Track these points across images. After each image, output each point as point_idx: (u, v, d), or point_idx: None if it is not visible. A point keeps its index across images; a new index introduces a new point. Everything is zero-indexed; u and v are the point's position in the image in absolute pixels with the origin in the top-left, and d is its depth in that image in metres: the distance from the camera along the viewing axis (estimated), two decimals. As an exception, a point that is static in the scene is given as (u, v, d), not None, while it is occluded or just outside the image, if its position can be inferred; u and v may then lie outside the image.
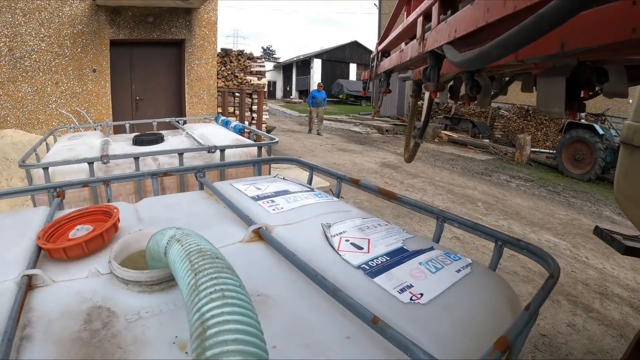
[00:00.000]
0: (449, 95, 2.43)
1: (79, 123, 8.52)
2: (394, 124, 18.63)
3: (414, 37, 2.01)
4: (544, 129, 15.18)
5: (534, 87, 2.12)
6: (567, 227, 6.85)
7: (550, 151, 13.80)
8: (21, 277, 1.11)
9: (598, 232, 2.95)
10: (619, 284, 4.88)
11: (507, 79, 2.21)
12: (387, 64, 2.42)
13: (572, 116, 1.34)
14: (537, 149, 14.22)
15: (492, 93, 2.20)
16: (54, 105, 8.78)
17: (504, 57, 0.77)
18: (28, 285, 1.09)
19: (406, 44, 2.24)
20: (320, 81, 18.12)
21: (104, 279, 1.16)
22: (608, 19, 0.72)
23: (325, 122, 20.39)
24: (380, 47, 2.66)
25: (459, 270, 1.19)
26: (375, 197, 7.05)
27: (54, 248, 1.29)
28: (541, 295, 0.97)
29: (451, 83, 2.39)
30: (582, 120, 11.57)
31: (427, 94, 3.13)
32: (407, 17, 2.18)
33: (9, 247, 1.34)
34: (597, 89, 1.48)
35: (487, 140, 15.94)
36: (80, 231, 1.42)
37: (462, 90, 2.38)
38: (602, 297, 4.54)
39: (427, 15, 1.39)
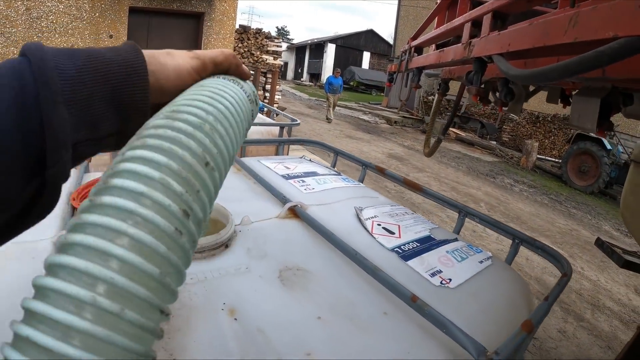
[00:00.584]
0: (478, 97, 2.49)
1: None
2: (403, 117, 18.63)
3: (452, 39, 2.07)
4: (552, 138, 15.20)
5: (559, 100, 2.20)
6: (565, 236, 6.93)
7: (556, 160, 13.82)
8: (59, 236, 1.15)
9: (599, 243, 3.02)
10: (611, 297, 4.98)
11: (534, 88, 2.28)
12: (421, 60, 2.47)
13: (601, 134, 1.44)
14: (544, 157, 14.26)
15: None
16: None
17: (560, 79, 0.85)
18: None
19: (442, 45, 2.29)
20: (337, 68, 16.78)
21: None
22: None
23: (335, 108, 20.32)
24: (413, 43, 2.71)
25: (481, 262, 1.29)
26: (378, 187, 7.15)
27: None
28: (557, 289, 1.07)
29: (482, 86, 2.45)
30: (591, 134, 11.57)
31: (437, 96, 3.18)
32: (447, 19, 2.24)
33: None
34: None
35: (495, 142, 15.97)
36: None
37: (492, 96, 2.45)
38: (593, 308, 4.63)
39: (475, 22, 1.47)
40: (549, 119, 15.20)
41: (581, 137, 11.29)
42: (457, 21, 1.68)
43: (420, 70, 2.63)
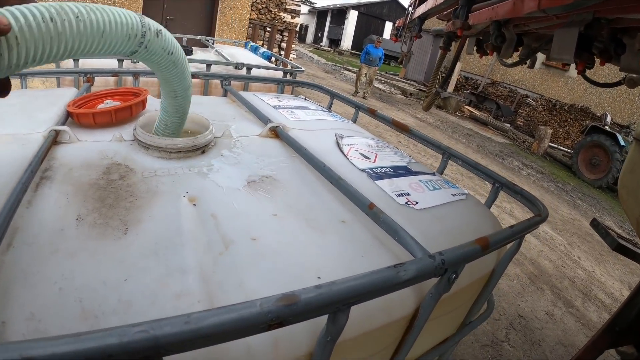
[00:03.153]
0: (475, 47, 2.47)
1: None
2: (419, 89, 18.38)
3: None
4: (567, 127, 14.98)
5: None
6: (567, 224, 6.89)
7: (568, 150, 13.66)
8: (49, 131, 1.20)
9: (595, 224, 2.98)
10: (604, 290, 4.95)
11: (534, 46, 2.25)
12: (422, 9, 2.47)
13: (581, 67, 1.42)
14: (556, 145, 14.08)
15: (518, 59, 2.24)
16: None
17: None
18: (54, 139, 1.18)
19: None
20: (378, 37, 14.04)
21: (127, 144, 1.25)
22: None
23: (350, 74, 19.89)
24: (417, -6, 2.69)
25: (454, 195, 1.27)
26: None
27: (83, 113, 1.37)
28: (525, 223, 1.04)
29: (480, 37, 2.44)
30: (606, 127, 11.36)
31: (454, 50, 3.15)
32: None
33: (40, 110, 1.44)
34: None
35: (508, 125, 15.78)
36: (109, 105, 1.50)
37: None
38: (585, 297, 4.60)
39: None
40: (566, 108, 14.94)
41: (595, 129, 11.11)
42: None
43: (422, 20, 2.61)
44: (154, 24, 0.94)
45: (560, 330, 3.82)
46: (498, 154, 10.92)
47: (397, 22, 3.27)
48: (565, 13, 1.43)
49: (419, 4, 2.72)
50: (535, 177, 9.58)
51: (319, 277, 0.79)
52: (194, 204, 0.95)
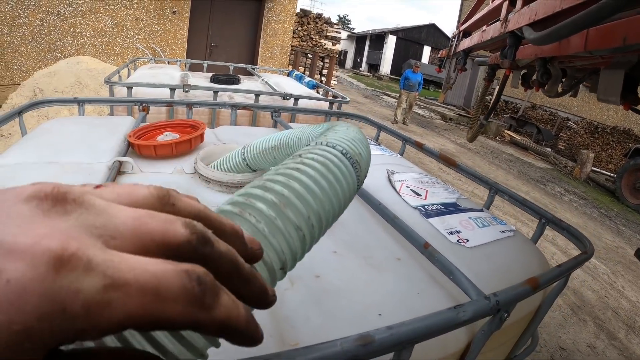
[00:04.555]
0: (520, 81, 2.52)
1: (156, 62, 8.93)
2: (459, 114, 18.32)
3: (496, 20, 2.11)
4: (610, 151, 14.63)
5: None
6: (610, 252, 6.72)
7: (611, 174, 13.31)
8: (113, 162, 1.28)
9: (639, 254, 2.95)
10: (648, 321, 4.83)
11: (577, 77, 2.28)
12: (467, 42, 2.53)
13: (626, 107, 1.45)
14: (598, 169, 13.75)
15: (561, 90, 2.27)
16: (131, 40, 9.19)
17: (571, 34, 0.90)
18: (118, 170, 1.26)
19: (487, 26, 2.33)
20: (417, 61, 14.62)
21: (188, 177, 1.33)
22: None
23: (389, 99, 19.92)
24: (462, 27, 2.75)
25: (502, 232, 1.31)
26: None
27: (145, 145, 1.45)
28: (572, 262, 1.08)
29: (524, 71, 2.48)
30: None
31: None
32: (492, 2, 2.27)
33: (101, 140, 1.51)
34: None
35: (549, 150, 15.51)
36: (168, 137, 1.58)
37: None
38: (628, 329, 4.47)
39: (512, 1, 1.52)
40: (608, 130, 14.61)
41: (639, 152, 10.82)
42: (496, 2, 1.73)
43: (466, 53, 2.67)
44: None
45: (602, 364, 3.74)
46: (539, 179, 10.75)
47: (441, 52, 3.34)
48: (611, 55, 1.48)
49: (463, 37, 2.79)
50: (577, 204, 9.38)
51: (380, 314, 0.85)
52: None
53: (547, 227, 1.45)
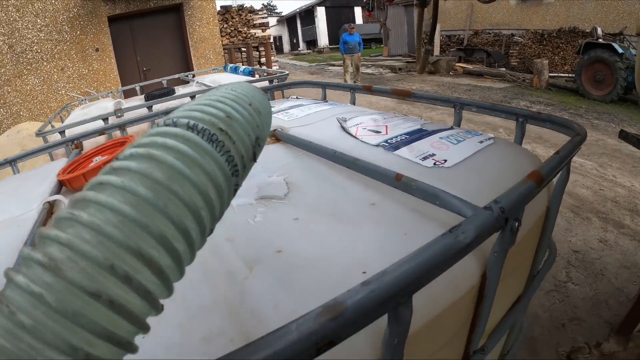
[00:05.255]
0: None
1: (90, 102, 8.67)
2: (407, 62, 18.16)
3: None
4: (561, 53, 14.64)
5: None
6: (591, 147, 6.69)
7: (569, 75, 13.34)
8: (42, 204, 1.14)
9: (624, 135, 2.87)
10: (649, 201, 4.79)
11: None
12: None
13: None
14: (556, 74, 13.77)
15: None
16: (63, 91, 8.82)
17: None
18: (49, 212, 1.12)
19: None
20: (350, 24, 13.95)
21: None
22: None
23: (335, 68, 19.77)
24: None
25: (481, 142, 1.15)
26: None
27: (73, 177, 1.32)
28: (569, 146, 0.92)
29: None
30: (600, 40, 11.07)
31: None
32: None
33: (32, 190, 1.38)
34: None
35: (504, 69, 15.46)
36: (98, 161, 1.44)
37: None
38: (632, 213, 4.43)
39: None
40: (554, 34, 14.62)
41: (590, 45, 10.84)
42: None
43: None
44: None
45: (619, 254, 3.67)
46: (503, 99, 10.73)
47: (365, -5, 3.18)
48: None
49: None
50: (546, 111, 9.35)
51: (364, 272, 0.67)
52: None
53: (527, 125, 1.31)
